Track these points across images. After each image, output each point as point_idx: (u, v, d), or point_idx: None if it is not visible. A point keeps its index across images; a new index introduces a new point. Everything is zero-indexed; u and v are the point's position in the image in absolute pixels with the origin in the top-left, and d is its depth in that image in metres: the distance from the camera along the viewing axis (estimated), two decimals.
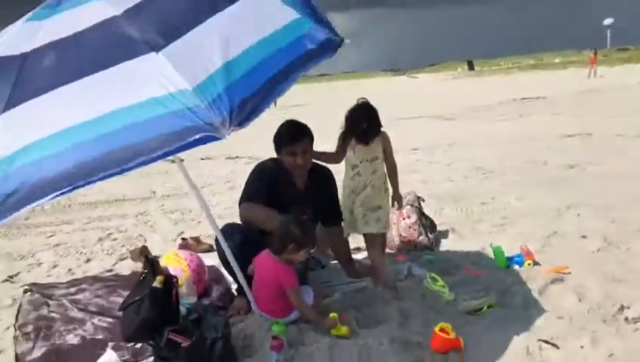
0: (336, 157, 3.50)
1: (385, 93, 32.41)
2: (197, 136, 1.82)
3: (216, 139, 1.85)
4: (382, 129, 3.43)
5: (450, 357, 2.62)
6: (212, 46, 1.99)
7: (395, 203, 3.58)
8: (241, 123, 1.88)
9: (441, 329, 2.68)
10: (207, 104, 1.87)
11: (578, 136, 9.93)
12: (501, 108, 17.12)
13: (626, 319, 2.84)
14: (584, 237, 4.17)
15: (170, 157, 1.99)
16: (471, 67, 74.33)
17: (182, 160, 3.15)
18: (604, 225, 4.37)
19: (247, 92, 1.93)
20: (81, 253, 4.96)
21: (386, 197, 3.52)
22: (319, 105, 25.61)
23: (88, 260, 4.72)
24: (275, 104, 23.59)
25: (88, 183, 1.80)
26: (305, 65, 2.14)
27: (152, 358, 2.73)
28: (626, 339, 2.65)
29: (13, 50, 2.14)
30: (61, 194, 1.78)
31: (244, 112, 1.89)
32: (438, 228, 4.62)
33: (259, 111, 1.92)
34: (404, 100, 24.65)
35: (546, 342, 2.64)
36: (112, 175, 1.79)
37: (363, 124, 3.32)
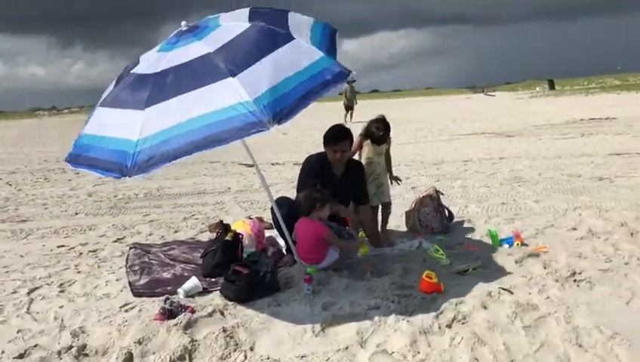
0: (353, 153, 4.80)
1: (456, 110, 32.91)
2: (254, 129, 3.04)
3: (264, 130, 3.04)
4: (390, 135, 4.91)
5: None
6: (266, 74, 3.21)
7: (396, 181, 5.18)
8: (280, 122, 3.08)
9: (427, 276, 3.67)
10: (261, 109, 3.07)
11: (626, 155, 10.35)
12: (565, 128, 17.37)
13: (574, 281, 3.71)
14: (574, 229, 4.99)
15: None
16: (551, 86, 72.65)
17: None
18: (596, 221, 5.17)
19: (284, 105, 3.12)
20: (170, 227, 6.25)
21: (386, 178, 4.94)
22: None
23: (176, 231, 6.00)
24: (350, 119, 24.64)
25: (192, 153, 3.03)
26: (323, 90, 3.33)
27: (220, 287, 3.87)
28: (565, 291, 3.54)
29: (150, 70, 3.46)
30: (179, 159, 3.04)
31: (281, 116, 3.09)
32: (459, 220, 5.56)
33: (291, 118, 3.13)
34: (472, 118, 25.14)
35: (504, 289, 3.58)
36: (207, 149, 3.04)
37: (381, 132, 4.77)
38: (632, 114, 21.20)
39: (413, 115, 30.45)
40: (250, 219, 5.69)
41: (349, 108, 26.14)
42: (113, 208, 7.64)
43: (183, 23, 3.68)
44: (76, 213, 7.40)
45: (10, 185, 10.43)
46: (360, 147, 4.88)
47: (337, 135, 4.50)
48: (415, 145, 14.13)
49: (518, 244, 4.53)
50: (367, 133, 4.83)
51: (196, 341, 3.12)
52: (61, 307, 3.79)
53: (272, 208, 4.29)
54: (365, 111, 31.13)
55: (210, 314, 3.42)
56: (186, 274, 4.29)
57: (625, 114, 21.30)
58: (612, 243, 4.50)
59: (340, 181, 4.54)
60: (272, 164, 11.61)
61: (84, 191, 9.19)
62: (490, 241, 4.72)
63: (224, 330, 3.19)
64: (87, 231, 6.26)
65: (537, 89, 72.60)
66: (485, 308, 3.35)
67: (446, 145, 14.18)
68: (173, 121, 3.12)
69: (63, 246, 5.55)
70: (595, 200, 6.28)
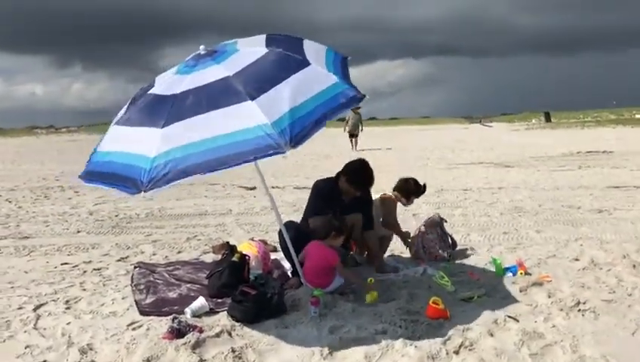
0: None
1: (454, 139, 33.16)
2: (272, 151, 3.13)
3: (281, 153, 3.13)
4: None
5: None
6: (283, 98, 3.30)
7: None
8: (295, 145, 3.17)
9: (434, 302, 3.70)
10: (278, 132, 3.16)
11: (624, 188, 10.44)
12: (562, 160, 17.52)
13: (579, 310, 3.75)
14: (577, 259, 5.04)
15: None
16: (547, 118, 73.24)
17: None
18: (598, 253, 5.22)
19: (300, 128, 3.21)
20: (173, 247, 6.27)
21: None
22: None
23: (179, 252, 6.02)
24: (355, 147, 24.37)
25: (207, 172, 3.09)
26: (338, 112, 3.44)
27: (227, 308, 3.89)
28: (570, 320, 3.58)
29: (169, 91, 3.54)
30: (194, 175, 3.12)
31: (297, 139, 3.17)
32: (461, 247, 5.61)
33: (306, 140, 3.21)
34: (470, 147, 25.33)
35: (510, 316, 3.62)
36: (223, 168, 3.11)
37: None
38: (628, 148, 21.41)
39: (411, 143, 30.66)
40: (254, 241, 5.73)
41: (353, 135, 25.46)
42: (115, 227, 7.65)
43: (202, 47, 3.79)
44: (78, 231, 7.41)
45: (10, 202, 10.42)
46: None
47: (367, 182, 4.63)
48: (415, 173, 14.19)
49: (521, 273, 4.56)
50: (405, 191, 5.31)
51: (205, 360, 3.13)
52: (68, 324, 3.80)
53: (279, 231, 4.34)
54: (365, 139, 31.26)
55: (217, 335, 3.43)
56: (192, 294, 4.30)
57: (621, 148, 21.50)
58: (615, 275, 4.54)
59: (348, 206, 4.60)
60: (272, 188, 11.65)
61: (85, 210, 9.19)
62: (492, 269, 4.76)
63: (233, 351, 3.21)
64: (90, 249, 6.27)
65: (533, 121, 73.20)
66: (492, 335, 3.38)
67: (445, 173, 14.27)
68: (191, 139, 3.21)
69: (66, 263, 5.56)
70: (596, 231, 6.34)
